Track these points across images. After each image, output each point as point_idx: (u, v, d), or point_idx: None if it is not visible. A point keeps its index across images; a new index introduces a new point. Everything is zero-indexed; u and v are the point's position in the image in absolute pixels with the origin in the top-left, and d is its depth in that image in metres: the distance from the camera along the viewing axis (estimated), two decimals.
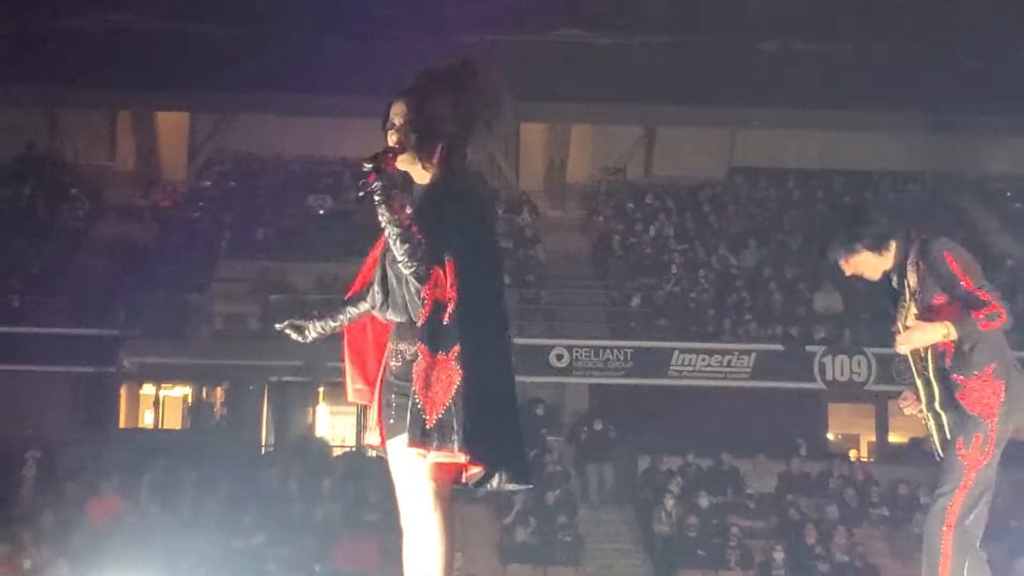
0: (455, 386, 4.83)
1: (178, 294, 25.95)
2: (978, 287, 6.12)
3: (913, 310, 6.26)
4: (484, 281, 4.97)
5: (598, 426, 24.15)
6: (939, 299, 6.19)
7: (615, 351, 25.24)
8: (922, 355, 6.30)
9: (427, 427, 4.82)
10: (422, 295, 4.91)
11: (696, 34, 27.29)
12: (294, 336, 5.47)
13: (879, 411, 26.18)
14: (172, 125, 30.89)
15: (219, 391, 26.47)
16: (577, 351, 25.18)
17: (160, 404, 27.28)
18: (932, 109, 26.85)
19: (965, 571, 6.09)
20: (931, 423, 6.34)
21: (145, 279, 25.86)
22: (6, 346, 24.20)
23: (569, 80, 26.89)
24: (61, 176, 29.61)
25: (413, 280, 4.94)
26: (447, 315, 4.86)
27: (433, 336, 4.87)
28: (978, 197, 30.29)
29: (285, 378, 25.54)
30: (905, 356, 6.38)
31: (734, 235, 29.01)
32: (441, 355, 4.86)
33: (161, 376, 26.53)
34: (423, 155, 5.02)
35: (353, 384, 5.31)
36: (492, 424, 4.86)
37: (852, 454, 27.06)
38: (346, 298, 5.35)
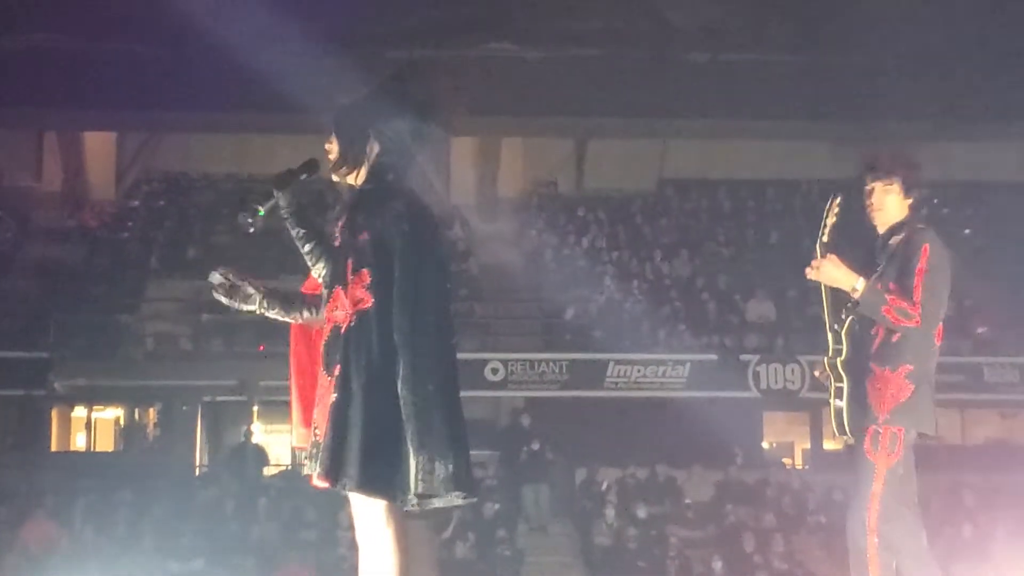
0: (328, 409, 4.74)
1: (108, 315, 25.73)
2: (922, 287, 6.12)
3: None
4: (430, 281, 4.81)
5: (536, 446, 24.05)
6: (894, 283, 6.21)
7: (550, 363, 25.26)
8: (843, 315, 6.32)
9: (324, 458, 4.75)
10: (350, 310, 4.81)
11: (626, 47, 27.39)
12: (222, 297, 5.33)
13: (814, 419, 26.36)
14: (99, 145, 30.62)
15: (152, 412, 26.26)
16: (512, 364, 25.18)
17: (92, 426, 27.00)
18: (859, 118, 27.08)
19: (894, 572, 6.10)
20: (831, 387, 6.35)
21: (74, 300, 25.65)
22: None
23: (499, 94, 26.87)
24: None
25: (321, 281, 4.92)
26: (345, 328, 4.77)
27: (328, 357, 4.84)
28: None
29: (219, 398, 25.36)
30: (822, 301, 6.39)
31: (666, 246, 29.12)
32: (327, 376, 4.82)
33: (93, 398, 26.27)
34: (351, 161, 4.98)
35: (297, 429, 5.20)
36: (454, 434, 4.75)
37: (786, 462, 27.24)
38: (303, 293, 5.27)
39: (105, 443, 26.87)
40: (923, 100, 26.63)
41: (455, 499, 4.87)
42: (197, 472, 25.32)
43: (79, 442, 26.94)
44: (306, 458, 4.91)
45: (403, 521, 4.95)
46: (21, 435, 24.97)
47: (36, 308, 25.70)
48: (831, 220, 6.39)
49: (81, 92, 26.18)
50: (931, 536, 6.26)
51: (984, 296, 26.36)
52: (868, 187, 6.51)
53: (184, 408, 25.55)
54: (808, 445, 27.32)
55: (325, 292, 4.90)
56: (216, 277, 5.33)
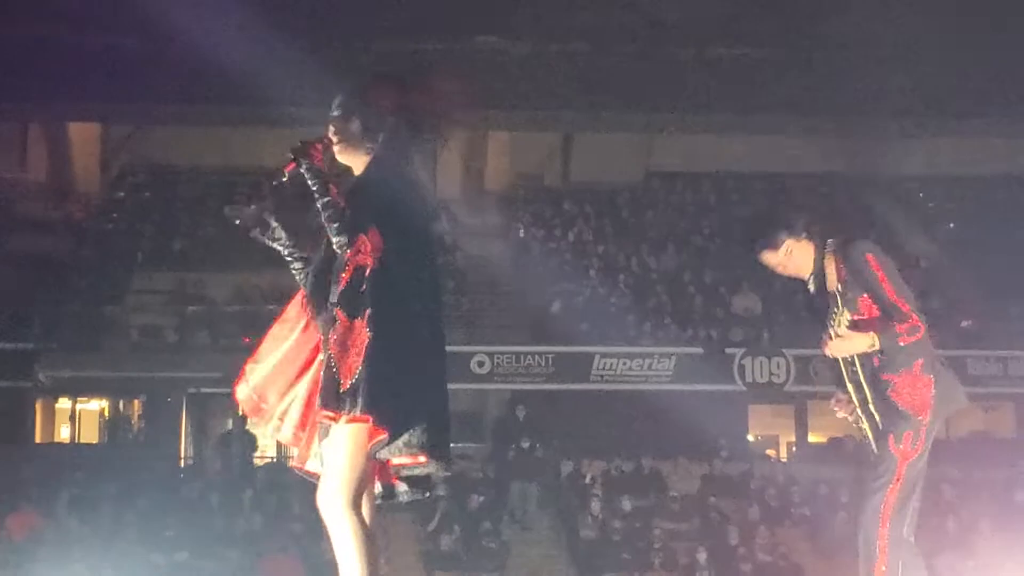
0: (365, 347, 4.81)
1: (93, 307, 25.70)
2: (899, 295, 6.16)
3: (846, 315, 6.29)
4: (407, 252, 4.96)
5: (525, 444, 24.05)
6: (865, 300, 6.24)
7: (536, 356, 25.28)
8: (851, 360, 6.35)
9: (341, 392, 4.82)
10: (345, 259, 4.94)
11: (612, 42, 27.41)
12: (258, 234, 5.45)
13: (799, 412, 26.44)
14: (85, 136, 30.57)
15: (136, 404, 26.24)
16: (498, 357, 25.19)
17: (77, 418, 26.97)
18: (844, 113, 27.14)
19: (900, 568, 6.14)
20: (865, 424, 6.38)
21: (59, 292, 25.60)
22: None
23: (486, 87, 26.89)
24: None
25: (339, 251, 4.97)
26: (365, 281, 4.88)
27: (351, 301, 4.89)
28: (892, 198, 30.65)
29: (204, 389, 25.33)
30: (835, 361, 6.42)
31: (652, 239, 29.15)
32: (359, 321, 4.85)
33: (77, 389, 26.23)
34: (361, 143, 5.09)
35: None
36: (402, 390, 4.81)
37: (770, 452, 27.32)
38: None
39: (90, 435, 26.85)
40: (908, 95, 26.70)
41: (414, 453, 4.93)
42: (182, 464, 25.31)
43: (64, 434, 26.92)
44: (325, 398, 4.90)
45: (374, 513, 4.99)
46: (5, 426, 24.90)
47: (21, 299, 25.65)
48: (842, 317, 6.36)
49: (66, 84, 26.11)
50: (915, 529, 6.32)
51: (968, 289, 26.46)
52: (769, 266, 6.46)
53: (169, 400, 25.53)
54: (793, 438, 27.39)
55: (344, 239, 4.94)
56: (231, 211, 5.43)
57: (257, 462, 24.47)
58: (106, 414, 26.87)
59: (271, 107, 22.53)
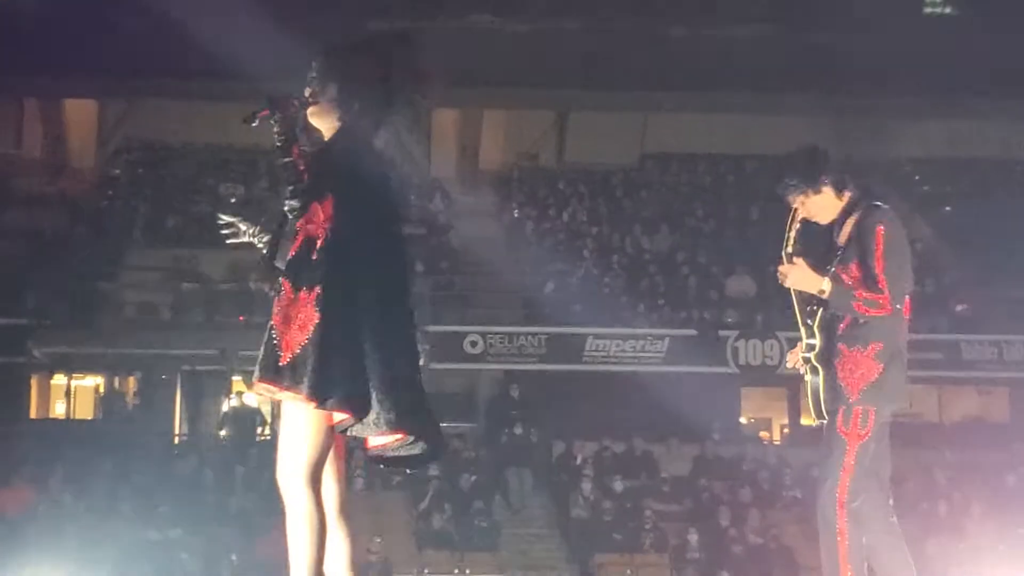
0: (313, 326, 4.70)
1: (88, 283, 25.69)
2: (885, 272, 6.17)
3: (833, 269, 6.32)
4: (366, 226, 4.84)
5: (519, 429, 24.01)
6: (856, 266, 6.26)
7: (529, 337, 25.28)
8: (813, 307, 6.37)
9: (280, 364, 4.73)
10: (296, 227, 4.85)
11: (607, 20, 27.38)
12: (228, 233, 5.42)
13: (791, 395, 26.46)
14: (80, 112, 30.54)
15: (131, 380, 26.23)
16: (491, 337, 25.19)
17: (71, 394, 26.95)
18: (839, 92, 27.12)
19: (860, 547, 6.15)
20: (808, 376, 6.40)
21: (54, 268, 25.59)
22: None
23: (481, 65, 26.85)
24: None
25: (290, 216, 4.89)
26: (315, 252, 4.78)
27: (298, 272, 4.79)
28: (887, 180, 30.64)
29: (198, 367, 25.35)
30: (791, 299, 6.45)
31: (647, 220, 29.15)
32: (304, 293, 4.75)
33: (72, 366, 26.23)
34: (333, 110, 4.98)
35: None
36: (356, 369, 4.72)
37: (763, 435, 27.34)
38: None
39: (84, 411, 26.86)
40: (903, 75, 26.66)
41: (371, 432, 4.88)
42: (176, 441, 25.32)
43: (58, 410, 26.93)
44: (262, 369, 4.82)
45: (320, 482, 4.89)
46: (0, 402, 24.93)
47: (16, 275, 25.63)
48: (794, 232, 6.40)
49: (62, 59, 26.06)
50: (906, 512, 6.34)
51: (963, 273, 26.50)
52: (793, 207, 6.46)
53: (164, 377, 25.54)
54: (786, 420, 27.42)
55: (296, 203, 4.86)
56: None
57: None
58: (101, 390, 26.87)
59: (266, 84, 22.46)
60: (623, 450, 24.23)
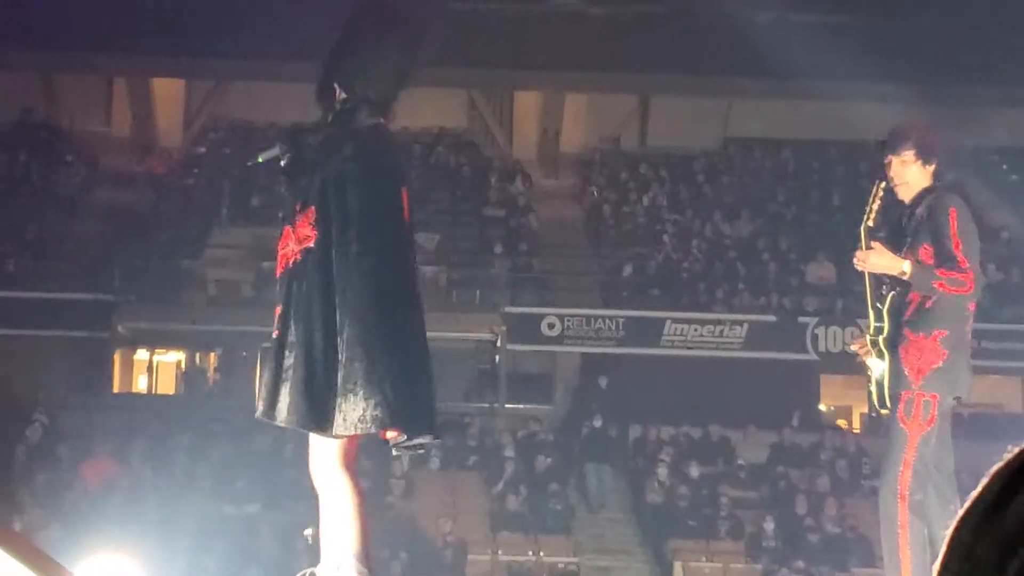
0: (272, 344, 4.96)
1: (172, 260, 26.03)
2: (964, 251, 6.19)
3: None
4: (352, 235, 4.88)
5: (598, 423, 23.88)
6: (926, 250, 6.27)
7: (607, 320, 25.30)
8: (884, 291, 6.40)
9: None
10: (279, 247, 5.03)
11: (691, 4, 27.24)
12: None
13: None
14: (168, 92, 30.87)
15: (212, 357, 26.56)
16: (569, 320, 25.23)
17: (154, 369, 27.38)
18: (926, 80, 26.83)
19: (927, 542, 6.15)
20: (872, 362, 6.41)
21: (140, 245, 25.96)
22: (2, 311, 24.26)
23: (564, 49, 26.85)
24: (57, 142, 29.61)
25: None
26: (297, 266, 4.94)
27: (280, 288, 5.03)
28: (973, 168, 30.30)
29: None
30: (864, 280, 6.49)
31: (728, 205, 29.01)
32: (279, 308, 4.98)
33: (155, 341, 26.63)
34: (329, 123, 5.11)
35: None
36: (330, 377, 4.87)
37: (842, 423, 27.14)
38: None
39: (166, 386, 27.24)
40: (992, 64, 26.31)
41: (406, 438, 4.94)
42: (255, 417, 25.57)
43: (141, 384, 27.34)
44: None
45: (356, 462, 5.06)
46: (84, 376, 25.36)
47: (102, 251, 26.05)
48: (876, 204, 6.46)
49: (151, 39, 26.38)
50: None
51: None
52: (886, 161, 6.55)
53: (244, 354, 25.81)
54: (866, 409, 27.14)
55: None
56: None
57: None
58: (182, 366, 27.23)
59: None
60: (700, 436, 24.18)
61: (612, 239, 27.72)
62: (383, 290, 4.88)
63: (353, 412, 4.82)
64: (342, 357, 4.81)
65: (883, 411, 6.45)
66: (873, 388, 6.44)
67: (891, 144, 6.57)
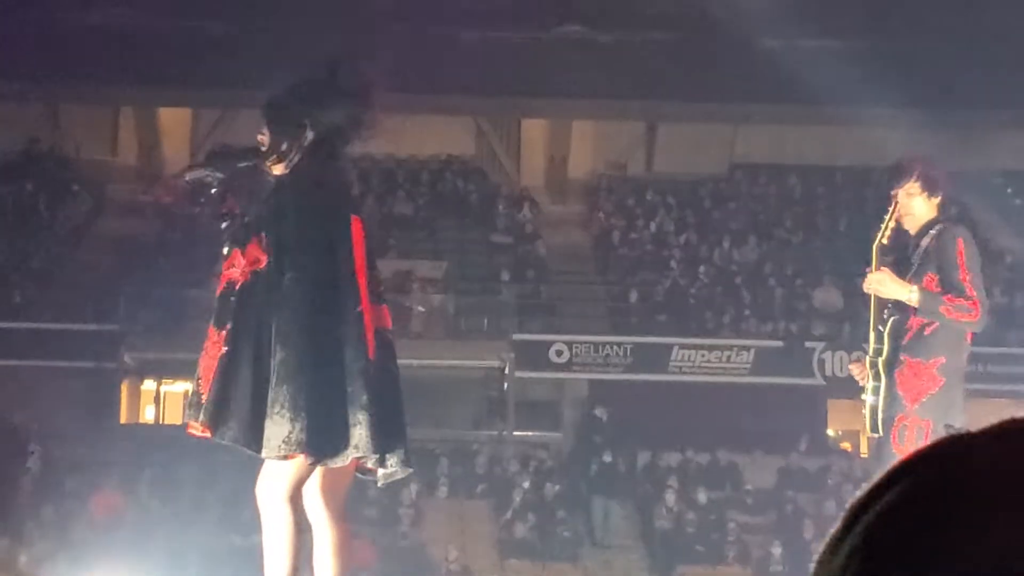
0: (218, 359, 5.01)
1: (179, 289, 26.00)
2: (970, 282, 6.23)
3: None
4: (287, 263, 5.02)
5: (607, 457, 23.62)
6: (931, 278, 6.32)
7: (615, 347, 25.28)
8: (885, 315, 6.43)
9: (202, 402, 5.08)
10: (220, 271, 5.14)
11: (697, 31, 27.31)
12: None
13: None
14: (175, 120, 30.95)
15: None
16: (577, 346, 25.22)
17: (161, 399, 27.33)
18: (931, 104, 26.84)
19: None
20: (868, 385, 6.43)
21: (146, 274, 25.94)
22: (7, 341, 24.25)
23: (570, 76, 26.91)
24: (63, 172, 29.64)
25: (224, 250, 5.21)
26: (234, 294, 5.07)
27: (217, 312, 5.16)
28: (978, 192, 30.26)
29: None
30: (868, 302, 6.52)
31: (735, 231, 29.02)
32: (212, 329, 5.12)
33: (162, 371, 26.58)
34: (283, 151, 5.23)
35: None
36: (252, 401, 4.94)
37: (846, 446, 27.06)
38: None
39: (174, 416, 27.14)
40: (996, 88, 26.34)
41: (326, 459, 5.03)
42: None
43: (148, 415, 27.30)
44: (187, 407, 5.20)
45: (301, 484, 5.06)
46: (91, 407, 25.30)
47: (108, 281, 26.04)
48: (893, 223, 6.50)
49: (157, 68, 26.47)
50: None
51: None
52: (892, 193, 6.59)
53: None
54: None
55: (225, 251, 5.15)
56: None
57: None
58: (190, 396, 27.17)
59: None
60: (707, 461, 24.14)
61: (619, 265, 27.73)
62: (312, 319, 4.96)
63: (277, 435, 4.88)
64: (272, 380, 4.89)
65: (873, 434, 6.51)
66: (867, 410, 6.49)
67: (896, 177, 6.62)
